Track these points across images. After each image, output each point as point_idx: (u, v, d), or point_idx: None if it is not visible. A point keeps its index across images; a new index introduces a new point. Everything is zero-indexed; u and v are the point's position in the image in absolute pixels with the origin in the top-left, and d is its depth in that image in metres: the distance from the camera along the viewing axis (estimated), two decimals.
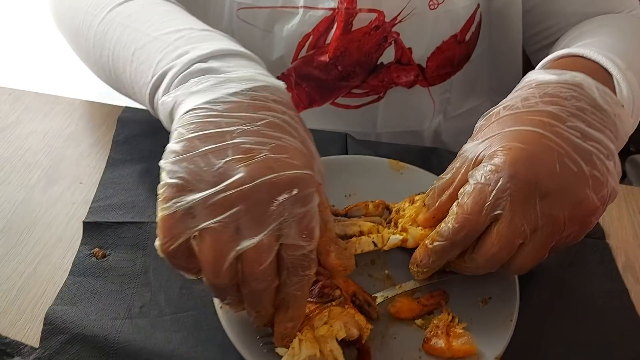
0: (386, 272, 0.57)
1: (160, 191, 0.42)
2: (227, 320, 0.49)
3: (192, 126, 0.43)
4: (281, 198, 0.41)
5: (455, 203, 0.49)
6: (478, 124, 0.53)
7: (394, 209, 0.58)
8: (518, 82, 0.56)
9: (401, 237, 0.54)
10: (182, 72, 0.48)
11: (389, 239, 0.54)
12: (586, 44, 0.59)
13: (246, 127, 0.43)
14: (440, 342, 0.50)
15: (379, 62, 0.72)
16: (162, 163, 0.43)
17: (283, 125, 0.44)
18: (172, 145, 0.43)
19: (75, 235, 0.59)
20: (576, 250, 0.59)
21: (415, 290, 0.55)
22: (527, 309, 0.53)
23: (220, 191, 0.41)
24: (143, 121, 0.70)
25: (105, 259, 0.57)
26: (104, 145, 0.69)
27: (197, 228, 0.41)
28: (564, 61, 0.57)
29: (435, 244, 0.49)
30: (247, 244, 0.40)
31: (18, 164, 0.66)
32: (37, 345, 0.50)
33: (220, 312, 0.50)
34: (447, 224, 0.48)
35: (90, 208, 0.61)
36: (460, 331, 0.50)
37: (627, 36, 0.64)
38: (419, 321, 0.53)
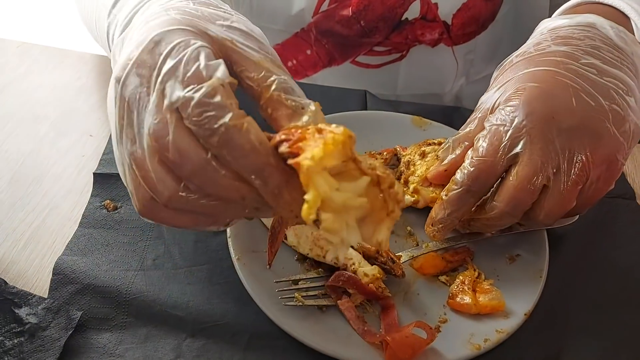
0: (408, 228, 0.55)
1: None
2: (244, 274, 0.48)
3: None
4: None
5: (470, 149, 0.47)
6: (493, 76, 0.52)
7: (402, 160, 0.56)
8: None
9: (412, 198, 0.53)
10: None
11: None
12: None
13: None
14: (466, 298, 0.48)
15: (403, 18, 0.69)
16: None
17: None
18: None
19: (85, 187, 0.57)
20: (606, 211, 0.58)
21: (439, 250, 0.53)
22: (555, 267, 0.52)
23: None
24: None
25: (116, 212, 0.55)
26: None
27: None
28: (579, 8, 0.56)
29: (451, 193, 0.47)
30: (144, 132, 0.36)
31: (26, 116, 0.64)
32: (45, 295, 0.48)
33: (237, 265, 0.49)
34: (462, 170, 0.47)
35: (101, 160, 0.59)
36: (488, 287, 0.48)
37: None
38: (443, 278, 0.51)
